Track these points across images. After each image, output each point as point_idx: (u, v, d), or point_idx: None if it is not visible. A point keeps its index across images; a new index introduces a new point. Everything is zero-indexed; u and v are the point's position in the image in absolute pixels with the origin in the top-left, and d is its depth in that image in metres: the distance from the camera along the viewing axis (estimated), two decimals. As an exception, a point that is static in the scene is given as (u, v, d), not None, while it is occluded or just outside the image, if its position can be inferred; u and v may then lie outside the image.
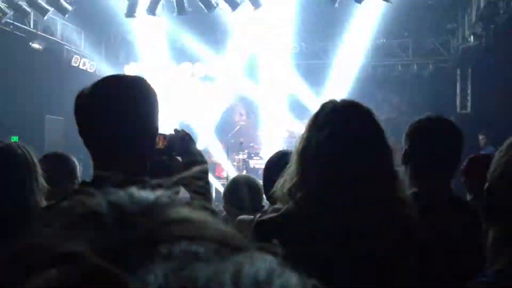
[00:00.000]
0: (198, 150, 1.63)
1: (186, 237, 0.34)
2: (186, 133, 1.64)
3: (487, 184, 0.95)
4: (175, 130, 1.62)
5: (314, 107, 1.60)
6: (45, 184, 1.83)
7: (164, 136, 1.61)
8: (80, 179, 2.59)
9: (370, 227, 1.41)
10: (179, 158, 1.65)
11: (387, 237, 1.45)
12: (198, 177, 1.57)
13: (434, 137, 1.96)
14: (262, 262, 0.35)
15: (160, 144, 1.60)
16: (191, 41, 11.50)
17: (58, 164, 2.47)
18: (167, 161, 1.71)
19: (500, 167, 0.92)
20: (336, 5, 8.25)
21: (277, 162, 2.12)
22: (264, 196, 2.46)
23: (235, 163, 11.79)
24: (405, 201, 1.50)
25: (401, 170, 1.94)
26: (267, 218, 1.54)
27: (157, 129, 1.45)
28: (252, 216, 2.41)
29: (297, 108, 11.74)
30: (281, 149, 2.53)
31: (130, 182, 1.26)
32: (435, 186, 1.92)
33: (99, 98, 1.36)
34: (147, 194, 0.38)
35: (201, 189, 1.54)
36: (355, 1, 8.12)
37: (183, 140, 1.59)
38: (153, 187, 0.41)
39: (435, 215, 1.70)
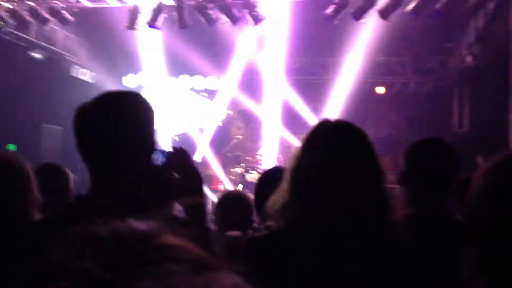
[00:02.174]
0: (196, 167, 1.64)
1: (168, 259, 0.44)
2: (184, 150, 1.65)
3: (467, 206, 0.97)
4: (174, 147, 1.63)
5: (311, 123, 1.62)
6: (38, 197, 1.84)
7: (162, 152, 1.62)
8: (74, 191, 2.59)
9: (360, 249, 1.42)
10: (177, 175, 1.65)
11: (377, 258, 1.45)
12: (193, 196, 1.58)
13: (430, 160, 2.00)
14: (229, 279, 0.45)
15: (159, 161, 1.61)
16: (190, 54, 11.56)
17: (52, 176, 2.47)
18: (165, 177, 1.71)
19: (479, 191, 0.94)
20: (336, 22, 8.32)
21: (269, 179, 2.13)
22: (255, 211, 2.46)
23: (231, 177, 11.79)
24: (396, 222, 1.51)
25: (396, 189, 1.97)
26: (259, 236, 1.55)
27: (154, 144, 1.47)
28: (239, 232, 2.42)
29: (295, 123, 11.77)
30: (277, 164, 2.53)
31: (124, 204, 1.27)
32: (432, 206, 1.95)
33: (98, 114, 1.38)
34: (142, 224, 0.48)
35: (195, 208, 1.55)
36: (354, 19, 8.19)
37: (181, 157, 1.60)
38: (148, 217, 0.51)
39: (431, 235, 1.71)
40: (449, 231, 1.88)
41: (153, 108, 1.47)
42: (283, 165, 2.46)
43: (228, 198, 3.06)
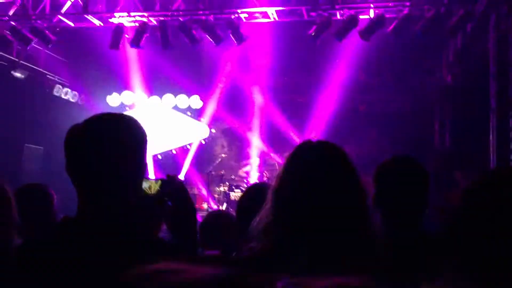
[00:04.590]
0: (189, 196, 1.64)
1: None
2: (178, 177, 1.64)
3: (443, 228, 0.98)
4: (168, 175, 1.63)
5: (295, 141, 1.63)
6: (18, 220, 1.81)
7: (156, 181, 1.62)
8: (57, 212, 2.55)
9: (342, 269, 1.42)
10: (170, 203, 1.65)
11: (363, 277, 1.46)
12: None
13: (398, 180, 2.02)
14: None
15: (152, 190, 1.61)
16: (174, 74, 11.59)
17: (34, 198, 2.43)
18: (158, 206, 1.71)
19: (456, 212, 0.96)
20: (318, 42, 8.43)
21: (252, 198, 2.13)
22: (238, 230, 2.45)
23: (215, 195, 11.75)
24: (376, 242, 1.52)
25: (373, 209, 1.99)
26: (241, 258, 1.55)
27: (145, 167, 1.46)
28: (217, 252, 2.41)
29: (278, 141, 11.81)
30: (259, 181, 2.53)
31: (112, 229, 1.27)
32: (403, 225, 1.97)
33: (89, 138, 1.37)
34: None
35: (187, 236, 1.55)
36: (336, 39, 8.31)
37: (175, 185, 1.60)
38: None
39: (402, 253, 1.72)
40: (422, 249, 1.90)
41: (145, 133, 1.46)
42: (266, 182, 2.47)
43: (212, 219, 3.05)
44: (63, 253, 1.28)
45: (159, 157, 12.92)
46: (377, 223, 1.86)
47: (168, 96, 12.96)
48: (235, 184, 11.68)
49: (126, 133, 1.40)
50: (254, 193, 2.19)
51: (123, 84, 12.60)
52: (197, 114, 13.14)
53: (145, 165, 1.47)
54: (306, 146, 1.56)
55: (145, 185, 1.58)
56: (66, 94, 12.04)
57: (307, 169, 1.49)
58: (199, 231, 2.91)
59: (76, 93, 12.31)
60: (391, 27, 8.00)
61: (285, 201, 1.49)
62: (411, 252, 1.84)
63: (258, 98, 12.18)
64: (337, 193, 1.48)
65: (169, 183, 1.60)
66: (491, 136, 7.55)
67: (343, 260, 1.43)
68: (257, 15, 8.86)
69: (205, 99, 12.77)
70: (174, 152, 13.18)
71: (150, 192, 1.61)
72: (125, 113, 1.55)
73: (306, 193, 1.46)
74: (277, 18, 8.83)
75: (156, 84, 12.53)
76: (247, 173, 11.89)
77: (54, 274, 1.25)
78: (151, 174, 11.08)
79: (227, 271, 0.58)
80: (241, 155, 13.02)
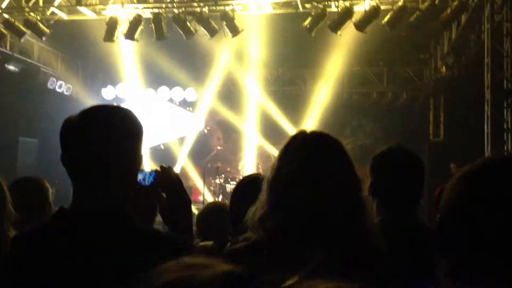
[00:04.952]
0: (183, 187, 1.63)
1: None
2: (172, 169, 1.64)
3: (438, 216, 0.99)
4: (161, 167, 1.62)
5: (290, 133, 1.64)
6: (13, 212, 1.81)
7: (150, 172, 1.62)
8: (53, 204, 2.55)
9: (338, 258, 1.43)
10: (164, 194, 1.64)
11: (356, 266, 1.47)
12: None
13: (395, 169, 2.04)
14: None
15: (147, 181, 1.61)
16: (169, 66, 11.56)
17: (29, 190, 2.43)
18: (153, 198, 1.71)
19: (450, 200, 0.96)
20: (313, 34, 8.41)
21: (244, 190, 2.13)
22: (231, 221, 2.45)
23: (211, 188, 11.76)
24: (372, 230, 1.53)
25: (369, 198, 2.01)
26: (237, 248, 1.55)
27: (141, 159, 1.46)
28: (211, 242, 2.42)
29: (273, 133, 11.82)
30: (253, 172, 2.52)
31: (107, 220, 1.27)
32: (400, 214, 1.99)
33: (86, 128, 1.37)
34: None
35: (182, 228, 1.55)
36: (331, 31, 8.29)
37: (169, 176, 1.60)
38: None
39: (398, 242, 1.73)
40: (416, 238, 1.92)
41: (141, 125, 1.46)
42: (259, 173, 2.46)
43: (210, 210, 3.05)
44: (57, 243, 1.29)
45: (162, 146, 12.93)
46: (373, 213, 1.87)
47: (163, 89, 12.93)
48: (230, 176, 11.69)
49: (122, 124, 1.40)
50: (248, 184, 2.19)
51: (118, 77, 12.55)
52: (192, 106, 13.13)
53: (141, 156, 1.47)
54: (301, 136, 1.56)
55: (140, 176, 1.58)
56: (60, 87, 11.98)
57: (302, 159, 1.49)
58: (196, 222, 2.92)
59: (70, 86, 12.25)
60: (386, 18, 7.99)
61: (281, 191, 1.49)
62: (407, 241, 1.85)
63: (253, 90, 12.17)
64: (332, 183, 1.48)
65: (164, 174, 1.60)
66: (485, 127, 7.58)
67: (339, 249, 1.44)
68: (251, 7, 8.83)
69: (200, 91, 12.75)
70: (170, 143, 13.17)
71: (144, 184, 1.60)
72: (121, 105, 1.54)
73: (301, 183, 1.47)
74: (272, 10, 8.80)
75: (151, 76, 12.49)
76: (243, 166, 11.91)
77: (49, 265, 1.25)
78: (146, 166, 11.08)
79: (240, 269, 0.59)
80: (237, 147, 13.03)
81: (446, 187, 1.01)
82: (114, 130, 1.37)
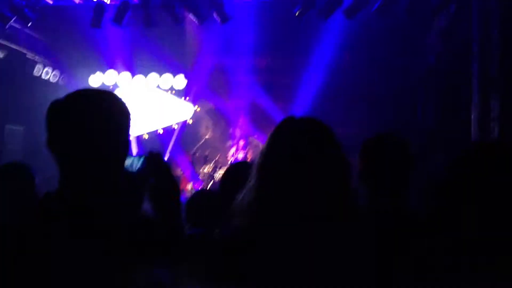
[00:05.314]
0: (172, 172, 1.62)
1: None
2: (160, 154, 1.62)
3: (435, 196, 0.98)
4: (150, 152, 1.60)
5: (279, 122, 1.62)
6: None
7: (139, 158, 1.60)
8: (37, 191, 2.52)
9: (328, 244, 1.43)
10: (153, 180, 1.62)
11: (345, 252, 1.47)
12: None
13: (384, 156, 2.05)
14: None
15: (135, 166, 1.59)
16: (158, 53, 11.46)
17: (14, 176, 2.40)
18: (141, 184, 1.69)
19: (442, 184, 0.96)
20: (303, 21, 8.38)
21: (233, 176, 2.13)
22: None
23: (200, 176, 11.74)
24: (362, 217, 1.53)
25: (358, 185, 2.01)
26: (226, 234, 1.54)
27: (128, 144, 1.44)
28: (202, 230, 2.41)
29: (263, 122, 11.80)
30: (242, 160, 2.51)
31: (96, 201, 1.25)
32: (388, 201, 2.00)
33: (71, 112, 1.35)
34: None
35: (170, 214, 1.53)
36: (321, 18, 8.27)
37: (157, 162, 1.58)
38: None
39: (386, 228, 1.74)
40: (404, 225, 1.93)
41: (128, 110, 1.44)
42: (247, 161, 2.46)
43: (199, 196, 3.04)
44: (43, 229, 1.27)
45: (145, 136, 12.86)
46: (362, 199, 1.87)
47: (153, 75, 12.84)
48: (219, 165, 11.67)
49: (109, 108, 1.38)
50: (236, 170, 2.19)
51: (106, 64, 12.42)
52: (181, 94, 13.06)
53: (129, 141, 1.45)
54: (290, 122, 1.55)
55: (127, 162, 1.56)
56: (47, 74, 11.84)
57: (291, 144, 1.49)
58: (186, 208, 2.91)
59: (57, 73, 12.10)
60: (375, 6, 7.98)
61: (270, 177, 1.48)
62: (395, 227, 1.86)
63: (242, 78, 12.13)
64: (322, 167, 1.47)
65: (152, 160, 1.58)
66: (473, 116, 7.63)
67: (328, 234, 1.43)
68: (241, -6, 8.77)
69: (189, 79, 12.68)
70: (157, 132, 13.11)
71: (132, 169, 1.58)
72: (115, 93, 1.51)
73: (290, 168, 1.46)
74: (261, -3, 8.75)
75: (140, 63, 12.38)
76: (232, 154, 11.89)
77: (33, 251, 1.23)
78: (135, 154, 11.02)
79: None
80: (226, 136, 13.00)
81: (436, 177, 1.01)
82: (101, 112, 1.35)
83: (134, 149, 11.53)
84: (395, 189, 2.01)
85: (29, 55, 11.38)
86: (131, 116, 1.44)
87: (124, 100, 1.44)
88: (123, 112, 1.40)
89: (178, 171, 12.02)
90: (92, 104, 1.37)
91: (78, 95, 1.39)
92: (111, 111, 1.37)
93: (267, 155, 1.48)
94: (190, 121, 13.26)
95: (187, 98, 13.00)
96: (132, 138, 11.40)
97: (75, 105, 1.35)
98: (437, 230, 1.01)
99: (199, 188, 11.00)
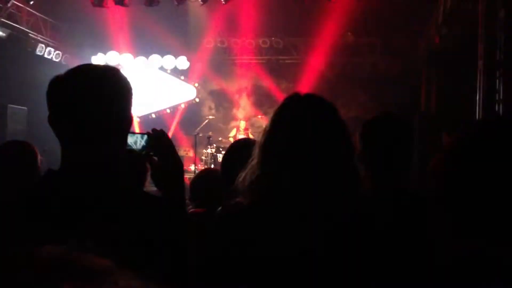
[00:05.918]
0: (175, 150, 1.60)
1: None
2: (164, 132, 1.61)
3: (431, 179, 0.98)
4: (153, 130, 1.59)
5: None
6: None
7: (142, 135, 1.58)
8: (41, 169, 2.52)
9: (331, 224, 1.43)
10: (156, 158, 1.62)
11: (348, 233, 1.47)
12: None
13: (384, 136, 2.03)
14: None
15: (138, 144, 1.58)
16: (161, 33, 11.38)
17: (17, 153, 2.40)
18: (144, 161, 1.67)
19: (447, 163, 0.95)
20: (306, 1, 8.29)
21: (236, 154, 2.12)
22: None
23: (203, 157, 11.75)
24: (366, 196, 1.52)
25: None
26: (228, 213, 1.54)
27: (130, 120, 1.43)
28: (203, 209, 2.41)
29: (266, 103, 11.77)
30: (244, 138, 2.47)
31: (99, 176, 1.24)
32: (389, 182, 1.99)
33: (73, 87, 1.33)
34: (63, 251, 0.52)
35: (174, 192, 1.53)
36: (325, -1, 8.19)
37: (161, 140, 1.56)
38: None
39: (386, 210, 1.74)
40: (406, 206, 1.92)
41: (131, 84, 1.42)
42: (249, 138, 2.45)
43: (203, 175, 3.04)
44: (47, 203, 1.27)
45: (153, 115, 12.86)
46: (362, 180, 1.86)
47: (155, 57, 12.77)
48: (222, 146, 11.67)
49: (110, 82, 1.36)
50: (238, 148, 2.18)
51: (109, 44, 12.36)
52: (184, 75, 13.01)
53: (131, 117, 1.43)
54: (295, 99, 1.53)
55: (130, 140, 1.55)
56: (50, 53, 11.79)
57: (295, 122, 1.47)
58: (190, 187, 2.91)
59: (59, 52, 12.06)
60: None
61: (273, 155, 1.47)
62: (397, 208, 1.86)
63: (245, 58, 12.05)
64: (326, 145, 1.46)
65: (156, 138, 1.57)
66: (477, 97, 7.58)
67: (331, 214, 1.43)
68: (245, -27, 8.67)
69: (192, 59, 12.61)
70: (161, 112, 13.09)
71: (136, 147, 1.57)
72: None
73: (294, 146, 1.45)
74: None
75: (142, 44, 12.31)
76: (234, 136, 11.88)
77: (38, 225, 1.24)
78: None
79: None
80: (229, 117, 12.98)
81: (441, 151, 0.99)
82: (102, 87, 1.34)
83: (137, 130, 11.54)
84: (396, 171, 2.00)
85: (32, 34, 11.33)
86: (132, 91, 1.42)
87: (126, 77, 1.43)
88: (124, 88, 1.38)
89: (181, 152, 12.04)
90: (92, 79, 1.35)
91: (79, 69, 1.37)
92: (111, 86, 1.35)
93: (270, 133, 1.47)
94: (196, 101, 13.22)
95: (190, 79, 12.95)
96: (136, 118, 11.40)
97: (77, 79, 1.33)
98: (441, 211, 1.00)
99: (204, 168, 11.02)
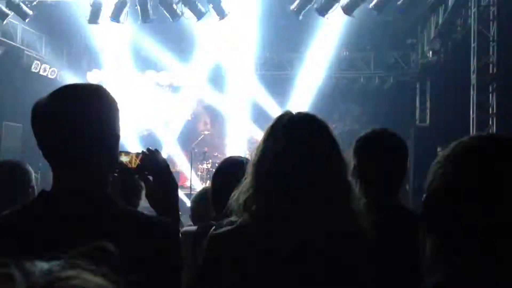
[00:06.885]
0: (170, 170, 1.61)
1: None
2: (158, 151, 1.61)
3: (424, 196, 0.97)
4: (148, 149, 1.59)
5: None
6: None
7: (137, 154, 1.58)
8: (36, 188, 2.51)
9: (325, 240, 1.43)
10: (151, 177, 1.62)
11: (342, 249, 1.47)
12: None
13: (378, 152, 2.02)
14: None
15: (133, 163, 1.58)
16: (156, 49, 11.43)
17: (10, 174, 2.39)
18: (139, 181, 1.66)
19: (437, 180, 0.94)
20: (301, 17, 8.36)
21: (226, 172, 2.11)
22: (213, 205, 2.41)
23: (199, 173, 11.73)
24: (359, 213, 1.52)
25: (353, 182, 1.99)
26: (221, 232, 1.54)
27: (118, 138, 1.42)
28: (195, 227, 2.38)
29: (261, 118, 11.79)
30: (234, 156, 2.45)
31: (86, 199, 1.23)
32: (383, 197, 1.98)
33: (56, 109, 1.32)
34: (54, 268, 0.52)
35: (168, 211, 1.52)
36: (319, 14, 8.25)
37: (155, 159, 1.57)
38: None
39: (382, 226, 1.73)
40: (399, 221, 1.91)
41: (116, 101, 1.41)
42: (240, 156, 2.42)
43: (202, 195, 3.01)
44: (37, 224, 1.26)
45: (145, 132, 12.84)
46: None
47: (150, 73, 12.81)
48: (218, 161, 11.65)
49: (93, 101, 1.35)
50: (229, 166, 2.16)
51: (104, 60, 12.39)
52: (179, 90, 13.03)
53: (118, 135, 1.41)
54: (286, 117, 1.54)
55: (125, 159, 1.55)
56: (45, 70, 11.80)
57: (287, 140, 1.48)
58: (190, 207, 2.89)
59: (55, 69, 12.07)
60: (374, 2, 7.96)
61: (265, 173, 1.48)
62: (390, 224, 1.85)
63: (241, 74, 12.10)
64: (319, 163, 1.46)
65: (150, 157, 1.57)
66: (471, 111, 7.63)
67: (325, 232, 1.43)
68: (239, -11, 8.74)
69: (187, 75, 12.65)
70: (156, 129, 13.08)
71: (130, 166, 1.57)
72: (103, 87, 1.48)
73: (286, 164, 1.45)
74: (259, -7, 8.73)
75: (137, 60, 12.34)
76: (230, 150, 11.88)
77: (28, 246, 1.23)
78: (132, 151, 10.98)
79: None
80: (224, 132, 12.99)
81: (431, 167, 0.99)
82: (85, 107, 1.33)
83: (133, 146, 11.52)
84: (389, 186, 1.99)
85: (27, 51, 11.35)
86: (119, 108, 1.40)
87: (112, 93, 1.41)
88: (107, 105, 1.37)
89: (176, 168, 12.02)
90: (75, 98, 1.33)
91: (60, 92, 1.35)
92: (95, 104, 1.34)
93: (263, 151, 1.48)
94: (190, 117, 13.23)
95: (185, 94, 12.97)
96: (131, 134, 11.37)
97: (57, 101, 1.32)
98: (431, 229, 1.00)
99: (197, 185, 11.00)
